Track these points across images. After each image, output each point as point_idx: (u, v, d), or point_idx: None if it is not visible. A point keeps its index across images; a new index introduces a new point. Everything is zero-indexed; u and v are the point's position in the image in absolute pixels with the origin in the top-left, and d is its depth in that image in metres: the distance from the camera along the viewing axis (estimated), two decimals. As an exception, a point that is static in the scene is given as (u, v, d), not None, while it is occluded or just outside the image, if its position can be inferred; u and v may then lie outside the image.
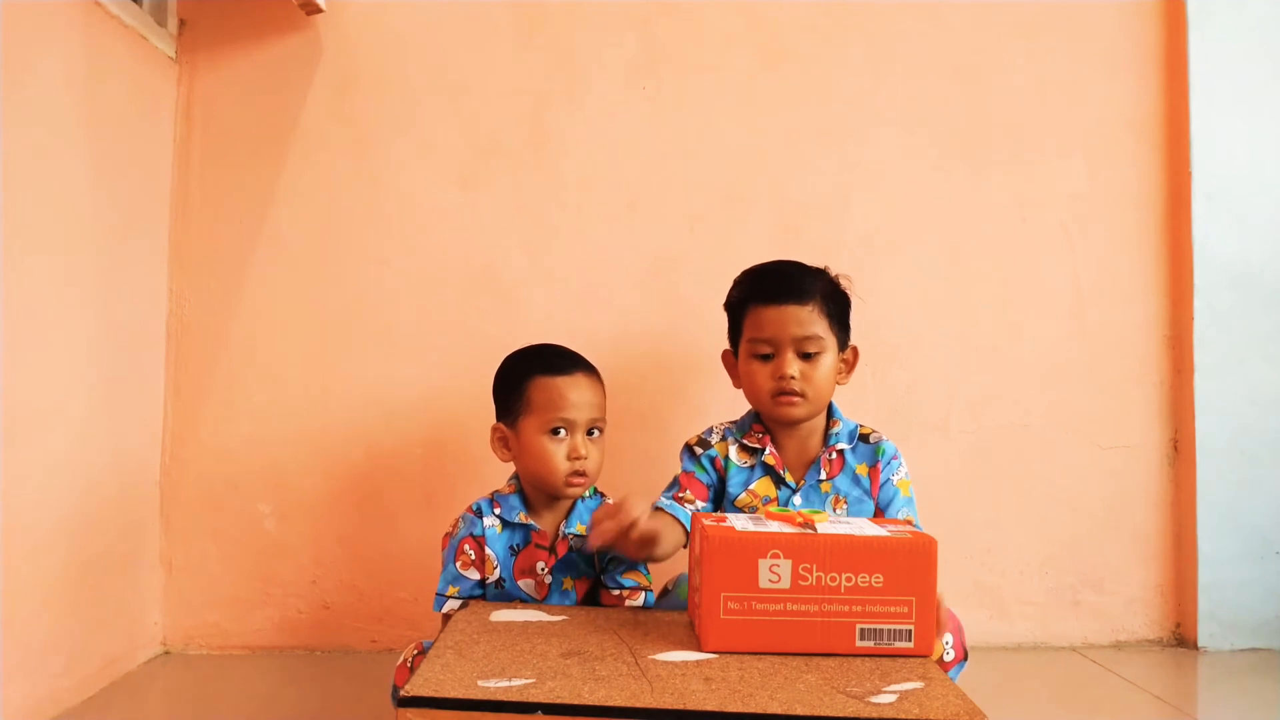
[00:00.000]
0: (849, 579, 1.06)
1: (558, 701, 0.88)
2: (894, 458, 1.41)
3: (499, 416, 1.41)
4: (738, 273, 1.77)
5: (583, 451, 1.34)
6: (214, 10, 1.77)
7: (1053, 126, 1.85)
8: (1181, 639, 1.81)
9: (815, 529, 1.10)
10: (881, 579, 1.06)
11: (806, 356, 1.37)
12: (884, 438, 1.42)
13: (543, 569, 1.36)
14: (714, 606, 1.05)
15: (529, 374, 1.37)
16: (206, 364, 1.75)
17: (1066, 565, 1.82)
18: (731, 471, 1.41)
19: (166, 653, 1.72)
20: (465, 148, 1.80)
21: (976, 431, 1.82)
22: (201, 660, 1.70)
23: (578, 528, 1.37)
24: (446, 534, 1.39)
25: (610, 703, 0.89)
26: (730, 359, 1.48)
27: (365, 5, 1.79)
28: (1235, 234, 1.80)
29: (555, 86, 1.81)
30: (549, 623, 1.17)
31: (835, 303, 1.41)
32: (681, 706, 0.88)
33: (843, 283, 1.45)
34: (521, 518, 1.37)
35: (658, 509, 1.36)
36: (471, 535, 1.35)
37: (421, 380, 1.76)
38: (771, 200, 1.82)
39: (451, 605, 1.32)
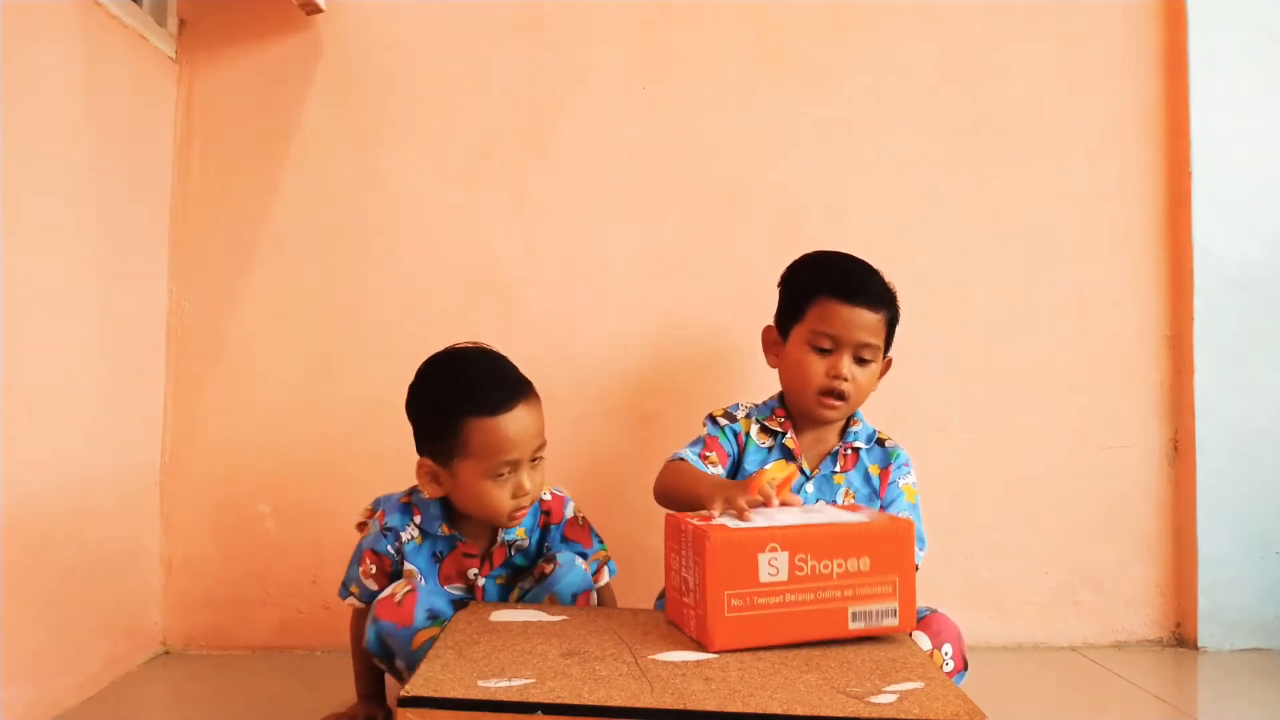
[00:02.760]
0: (840, 564, 1.08)
1: (558, 701, 0.88)
2: (905, 464, 1.44)
3: (423, 450, 1.27)
4: (738, 272, 1.78)
5: (527, 486, 1.25)
6: (214, 10, 1.77)
7: (1053, 126, 1.85)
8: (1181, 639, 1.81)
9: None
10: (868, 562, 1.09)
11: (860, 361, 1.39)
12: (899, 445, 1.45)
13: (475, 575, 1.31)
14: (718, 606, 1.05)
15: (464, 414, 1.21)
16: (206, 364, 1.75)
17: (1066, 565, 1.82)
18: (750, 449, 1.44)
19: (166, 653, 1.72)
20: (465, 147, 1.80)
21: (976, 431, 1.82)
22: (201, 660, 1.70)
23: (518, 534, 1.32)
24: (360, 522, 1.35)
25: (610, 703, 0.88)
26: (772, 336, 1.48)
27: (365, 5, 1.79)
28: (1235, 234, 1.80)
29: (555, 86, 1.81)
30: (549, 623, 1.17)
31: (895, 312, 1.43)
32: (681, 706, 0.88)
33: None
34: (444, 529, 1.30)
35: (681, 459, 1.38)
36: (374, 550, 1.30)
37: (421, 380, 1.76)
38: (771, 200, 1.82)
39: (354, 601, 1.32)
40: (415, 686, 0.90)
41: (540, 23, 1.81)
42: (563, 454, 1.76)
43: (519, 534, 1.33)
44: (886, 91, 1.84)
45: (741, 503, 1.14)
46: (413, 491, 1.33)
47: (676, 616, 1.14)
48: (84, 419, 1.48)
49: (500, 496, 1.24)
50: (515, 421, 1.22)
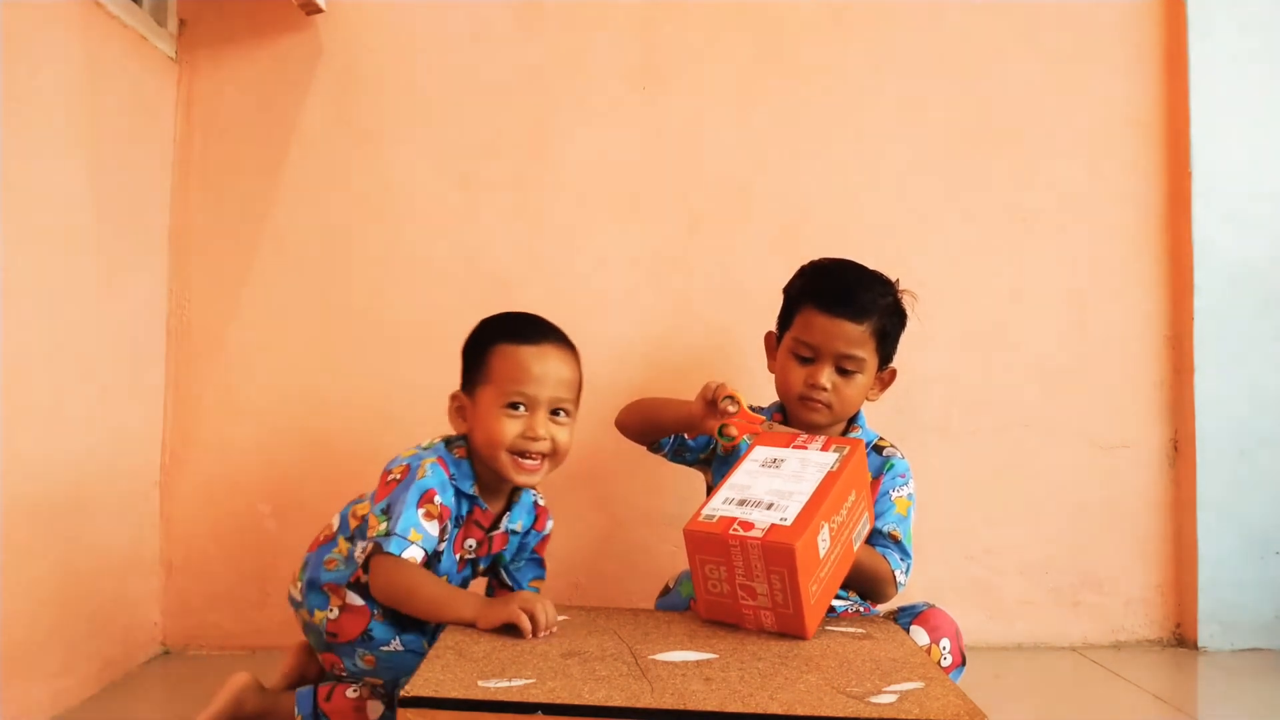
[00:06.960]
0: (846, 508, 1.19)
1: (558, 701, 0.88)
2: (901, 475, 1.41)
3: (462, 384, 1.30)
4: (738, 273, 1.79)
5: (540, 431, 1.22)
6: (214, 10, 1.77)
7: (1053, 126, 1.85)
8: (1181, 639, 1.81)
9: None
10: (855, 493, 1.21)
11: (843, 371, 1.38)
12: (899, 455, 1.43)
13: (472, 547, 1.28)
14: (807, 598, 1.10)
15: (493, 340, 1.26)
16: (206, 364, 1.75)
17: (1066, 565, 1.82)
18: (744, 445, 1.43)
19: (166, 653, 1.72)
20: (466, 148, 1.80)
21: (976, 431, 1.82)
22: (201, 660, 1.70)
23: (517, 525, 1.32)
24: (394, 479, 1.23)
25: (610, 703, 0.88)
26: (772, 341, 1.49)
27: (365, 5, 1.79)
28: (1235, 234, 1.80)
29: (556, 86, 1.81)
30: (549, 623, 1.17)
31: (890, 323, 1.40)
32: (681, 706, 0.88)
33: (905, 300, 1.44)
34: (475, 489, 1.27)
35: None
36: (438, 492, 1.20)
37: (421, 380, 1.76)
38: (771, 200, 1.82)
39: (414, 553, 1.16)
40: (415, 686, 0.90)
41: (541, 22, 1.81)
42: (563, 454, 1.76)
43: (518, 525, 1.32)
44: (887, 91, 1.84)
45: (723, 393, 1.30)
46: (445, 445, 1.29)
47: (728, 616, 1.16)
48: (84, 419, 1.48)
49: (508, 427, 1.22)
50: (539, 356, 1.24)
